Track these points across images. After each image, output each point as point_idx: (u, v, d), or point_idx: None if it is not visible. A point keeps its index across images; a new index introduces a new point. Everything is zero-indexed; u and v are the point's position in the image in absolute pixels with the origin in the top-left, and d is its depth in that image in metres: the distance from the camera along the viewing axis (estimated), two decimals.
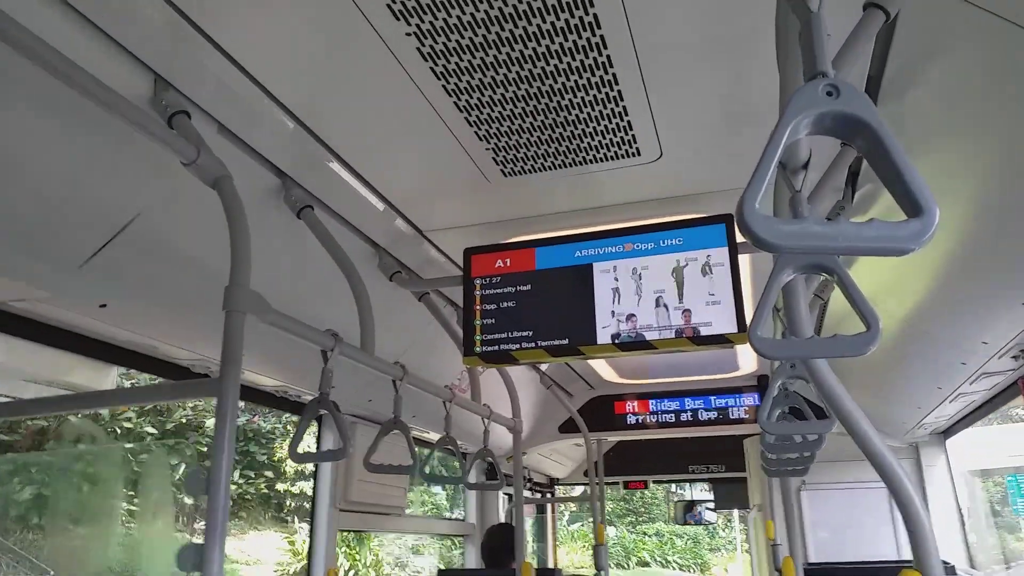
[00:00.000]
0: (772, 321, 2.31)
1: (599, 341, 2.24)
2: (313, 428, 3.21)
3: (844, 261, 1.02)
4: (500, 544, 3.95)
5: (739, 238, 2.18)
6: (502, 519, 5.04)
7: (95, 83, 1.33)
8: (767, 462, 2.49)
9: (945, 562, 3.47)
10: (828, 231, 0.68)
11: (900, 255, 0.68)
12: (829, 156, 1.92)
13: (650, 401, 4.95)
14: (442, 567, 8.33)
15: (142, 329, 2.15)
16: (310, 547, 3.14)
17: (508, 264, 2.43)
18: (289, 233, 2.17)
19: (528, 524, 6.28)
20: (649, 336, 2.19)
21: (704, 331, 2.13)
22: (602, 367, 4.70)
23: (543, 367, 4.40)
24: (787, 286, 1.11)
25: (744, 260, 2.21)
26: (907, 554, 4.60)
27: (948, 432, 4.34)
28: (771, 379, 2.04)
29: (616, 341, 2.22)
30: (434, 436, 2.82)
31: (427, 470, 2.77)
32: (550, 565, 6.17)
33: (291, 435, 1.98)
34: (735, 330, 2.09)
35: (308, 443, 2.99)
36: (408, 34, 1.54)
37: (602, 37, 1.55)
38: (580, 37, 1.55)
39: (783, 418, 2.21)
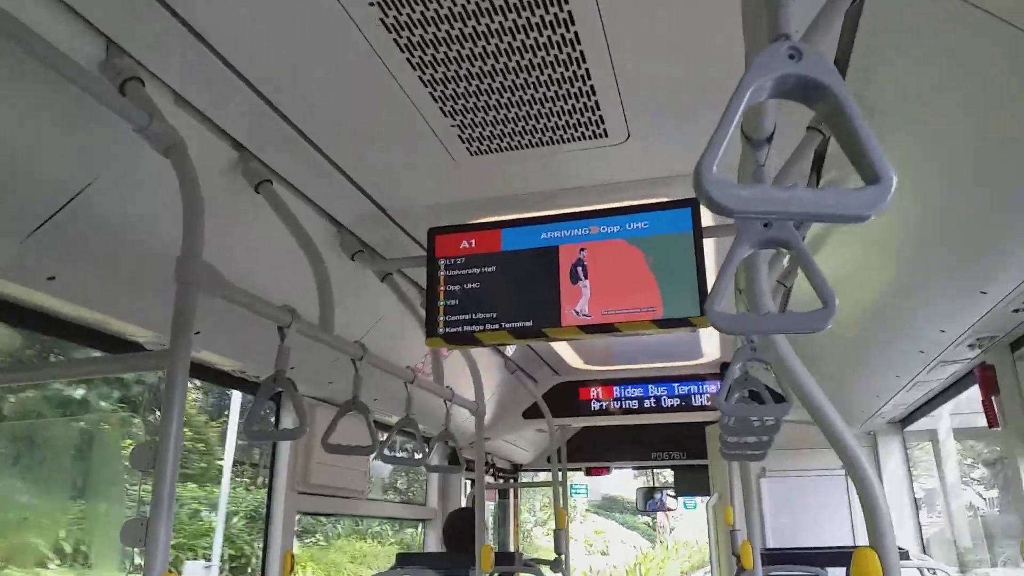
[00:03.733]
0: (735, 301, 2.32)
1: (563, 323, 2.23)
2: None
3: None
4: (461, 529, 3.94)
5: (705, 222, 2.18)
6: (463, 504, 5.03)
7: (42, 43, 1.28)
8: (725, 445, 2.51)
9: (900, 548, 3.55)
10: (785, 196, 0.67)
11: (856, 222, 0.67)
12: (795, 139, 1.92)
13: (614, 387, 4.97)
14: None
15: (93, 304, 2.08)
16: (266, 530, 3.10)
17: (473, 245, 2.40)
18: (247, 208, 2.11)
19: (490, 509, 6.29)
20: (613, 319, 2.19)
21: (667, 314, 2.13)
22: (567, 353, 4.71)
23: (508, 352, 4.39)
24: (748, 263, 1.10)
25: (709, 244, 2.21)
26: (862, 540, 4.70)
27: (906, 421, 4.42)
28: (732, 361, 2.05)
29: (580, 324, 2.21)
30: (395, 420, 2.79)
31: (387, 452, 2.75)
32: (511, 549, 6.19)
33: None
34: (698, 313, 2.09)
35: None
36: (371, 4, 1.50)
37: (570, 13, 1.53)
38: (547, 12, 1.53)
39: (742, 402, 2.23)
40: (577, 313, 2.22)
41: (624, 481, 22.67)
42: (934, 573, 3.63)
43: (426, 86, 1.79)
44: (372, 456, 2.57)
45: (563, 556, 4.41)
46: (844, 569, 3.76)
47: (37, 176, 1.61)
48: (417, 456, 3.60)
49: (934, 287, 2.35)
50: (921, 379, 3.19)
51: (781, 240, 0.78)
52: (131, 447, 1.41)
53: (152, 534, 1.27)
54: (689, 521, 23.77)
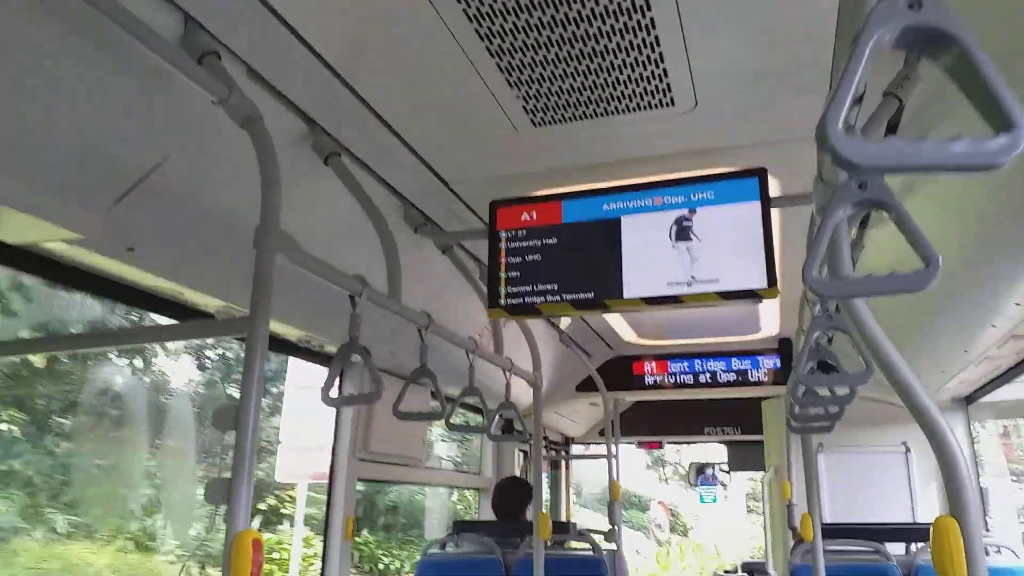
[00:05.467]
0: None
1: (625, 295, 2.23)
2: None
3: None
4: (510, 497, 3.99)
5: (772, 192, 2.15)
6: (516, 474, 5.09)
7: (128, 16, 1.31)
8: (793, 418, 2.48)
9: None
10: (912, 148, 0.65)
11: (988, 170, 0.65)
12: (867, 112, 1.87)
13: (669, 362, 4.95)
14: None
15: (169, 274, 2.15)
16: (329, 495, 3.18)
17: (534, 217, 2.41)
18: (315, 181, 2.15)
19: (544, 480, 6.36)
20: (676, 291, 2.17)
21: (733, 286, 2.11)
22: (622, 327, 4.69)
23: (563, 326, 4.40)
24: (833, 230, 1.08)
25: (775, 214, 2.17)
26: (922, 517, 4.62)
27: (970, 398, 4.31)
28: (809, 330, 2.01)
29: (643, 295, 2.21)
30: (454, 392, 2.84)
31: (451, 421, 2.80)
32: (563, 520, 6.25)
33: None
34: (765, 285, 2.07)
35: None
36: None
37: None
38: None
39: (813, 373, 2.20)
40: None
41: (631, 468, 19.08)
42: (998, 550, 3.55)
43: (493, 56, 1.79)
44: (438, 422, 2.63)
45: (616, 527, 4.44)
46: (904, 545, 3.70)
47: (117, 150, 1.66)
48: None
49: (1009, 259, 2.27)
50: (991, 354, 3.10)
51: (880, 200, 0.77)
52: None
53: (235, 492, 1.33)
54: (705, 518, 20.57)
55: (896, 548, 3.64)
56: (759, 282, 2.07)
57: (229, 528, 1.31)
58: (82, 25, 1.38)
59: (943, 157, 0.65)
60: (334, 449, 3.17)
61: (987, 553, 3.48)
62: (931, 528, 1.15)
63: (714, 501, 14.26)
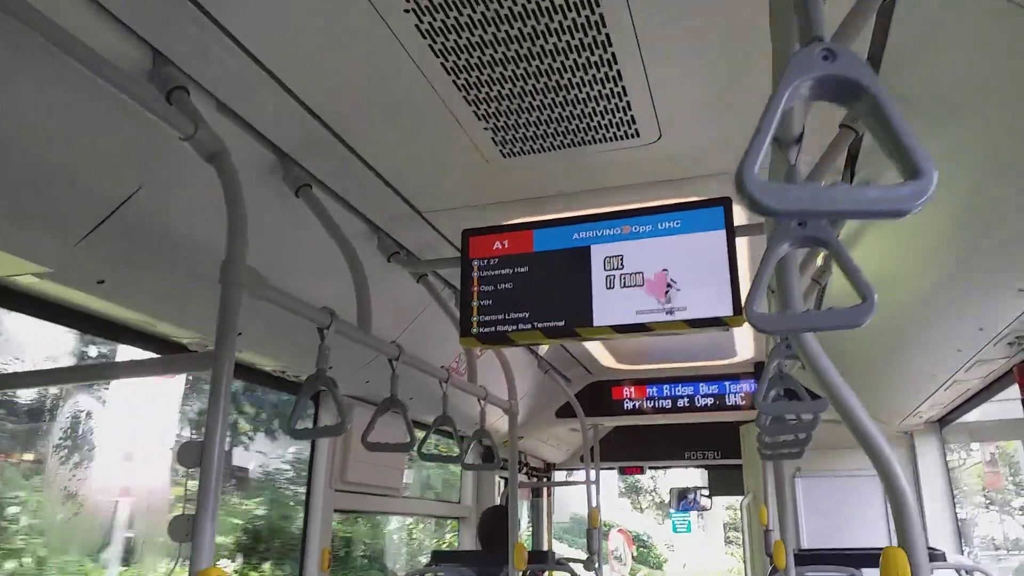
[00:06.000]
0: (767, 301, 2.31)
1: (596, 323, 2.25)
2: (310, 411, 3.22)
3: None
4: (496, 527, 3.98)
5: (737, 221, 2.18)
6: (498, 503, 5.06)
7: (93, 56, 1.33)
8: (763, 445, 2.50)
9: (935, 549, 3.50)
10: (827, 195, 0.68)
11: (899, 216, 0.67)
12: (828, 137, 1.92)
13: (647, 387, 4.97)
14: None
15: (140, 306, 2.15)
16: (305, 526, 3.16)
17: (506, 246, 2.43)
18: (286, 213, 2.17)
19: (524, 508, 6.32)
20: (645, 319, 2.20)
21: (700, 314, 2.14)
22: (600, 352, 4.71)
23: (541, 352, 4.41)
24: (780, 262, 1.11)
25: (741, 244, 2.21)
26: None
27: (944, 421, 4.36)
28: (767, 360, 2.05)
29: (613, 323, 2.23)
30: (430, 420, 2.84)
31: (424, 450, 2.79)
32: (544, 548, 6.21)
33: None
34: (731, 313, 2.10)
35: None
36: (407, 11, 1.54)
37: (601, 15, 1.55)
38: (579, 15, 1.55)
39: (779, 401, 2.22)
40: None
41: (604, 495, 18.85)
42: (971, 574, 3.57)
43: (460, 90, 1.82)
44: (410, 453, 2.62)
45: (595, 555, 4.42)
46: (878, 570, 3.71)
47: (87, 183, 1.67)
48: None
49: (972, 284, 2.32)
50: (958, 378, 3.15)
51: (817, 238, 0.80)
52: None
53: (199, 528, 1.32)
54: (681, 549, 19.73)
55: (871, 573, 3.65)
56: (725, 310, 2.10)
57: (193, 565, 1.30)
58: (51, 59, 1.40)
59: (856, 203, 0.67)
60: (309, 480, 3.15)
61: None
62: (880, 559, 1.17)
63: (688, 530, 13.47)
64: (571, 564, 3.77)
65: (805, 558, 3.52)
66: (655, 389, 4.94)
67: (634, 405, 4.98)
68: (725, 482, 6.63)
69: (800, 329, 0.94)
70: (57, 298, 2.06)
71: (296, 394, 1.99)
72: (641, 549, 18.81)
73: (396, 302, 2.89)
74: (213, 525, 1.31)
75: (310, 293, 1.99)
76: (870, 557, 3.64)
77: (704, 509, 7.85)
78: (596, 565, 4.43)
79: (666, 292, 2.17)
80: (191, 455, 1.35)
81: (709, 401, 4.79)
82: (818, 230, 0.80)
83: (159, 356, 2.27)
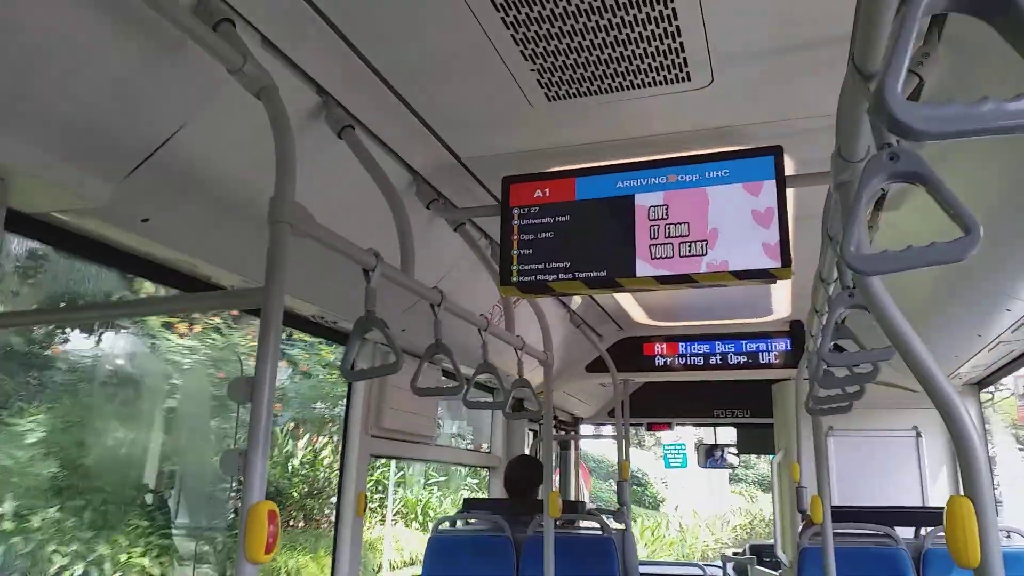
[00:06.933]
0: (821, 251, 2.26)
1: (638, 274, 2.22)
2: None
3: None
4: (522, 475, 4.02)
5: (788, 171, 2.12)
6: (526, 453, 5.11)
7: None
8: (814, 400, 2.47)
9: None
10: (982, 111, 0.63)
11: None
12: None
13: (679, 343, 4.94)
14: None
15: (183, 246, 2.16)
16: (341, 471, 3.21)
17: (547, 194, 2.40)
18: (327, 155, 2.15)
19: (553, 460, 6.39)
20: (690, 271, 2.16)
21: (747, 266, 2.09)
22: (633, 308, 4.68)
23: (573, 306, 4.40)
24: (853, 201, 1.06)
25: (789, 193, 2.15)
26: (933, 502, 4.60)
27: (983, 383, 4.29)
28: (830, 308, 1.98)
29: (655, 274, 2.19)
30: (466, 371, 2.85)
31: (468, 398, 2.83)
32: (572, 498, 6.29)
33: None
34: (779, 265, 2.05)
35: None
36: None
37: None
38: None
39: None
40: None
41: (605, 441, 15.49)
42: (1008, 535, 3.54)
43: (508, 28, 1.77)
44: (456, 398, 2.64)
45: (626, 506, 4.46)
46: (912, 529, 3.70)
47: (131, 120, 1.66)
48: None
49: None
50: (1005, 339, 3.08)
51: (911, 172, 0.75)
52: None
53: (250, 464, 1.33)
54: (678, 487, 18.81)
55: (906, 532, 3.64)
56: (773, 262, 2.06)
57: (245, 499, 1.32)
58: None
59: (1008, 117, 0.62)
60: (346, 425, 3.19)
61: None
62: (945, 508, 1.14)
63: (683, 465, 11.69)
64: (602, 515, 3.80)
65: (840, 514, 3.51)
66: (687, 346, 4.91)
67: (665, 362, 4.96)
68: (754, 440, 6.63)
69: (902, 267, 0.89)
70: (99, 236, 2.07)
71: (337, 340, 1.99)
72: (636, 487, 17.12)
73: (434, 251, 2.87)
74: (264, 461, 1.32)
75: (350, 236, 1.98)
76: (906, 515, 3.63)
77: (732, 467, 7.86)
78: (626, 516, 4.47)
79: (713, 243, 2.13)
80: (242, 391, 1.36)
81: (742, 359, 4.76)
82: (912, 164, 0.75)
83: (211, 292, 2.28)
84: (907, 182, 0.78)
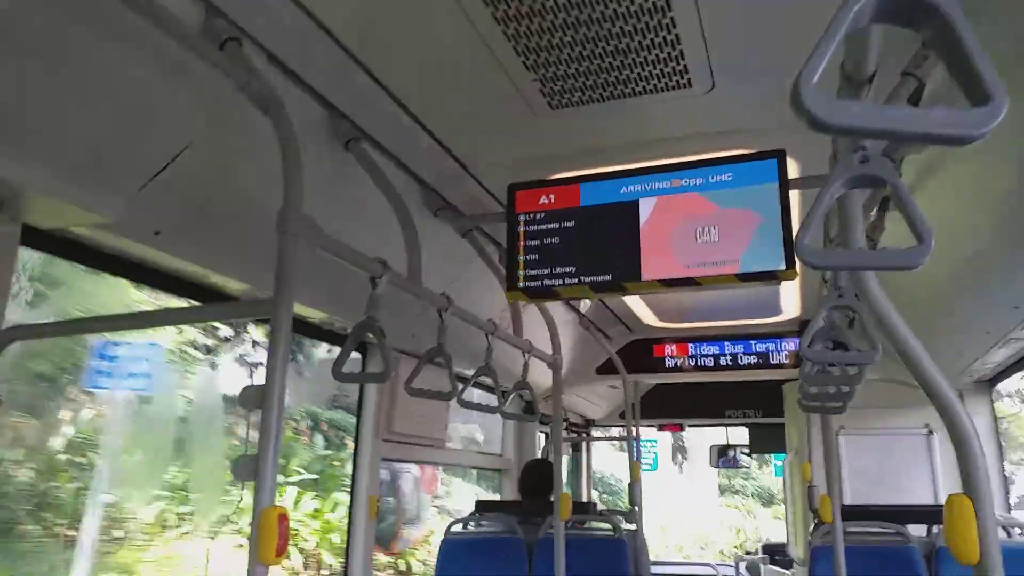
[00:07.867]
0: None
1: (643, 277, 2.24)
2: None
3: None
4: (537, 478, 4.04)
5: (791, 174, 2.14)
6: (539, 456, 5.13)
7: (151, 5, 1.35)
8: (805, 397, 2.48)
9: None
10: (888, 114, 0.64)
11: (964, 143, 0.64)
12: (888, 87, 1.86)
13: (689, 345, 4.95)
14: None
15: (194, 257, 2.20)
16: (353, 475, 3.24)
17: (552, 200, 2.42)
18: (334, 167, 2.18)
19: (564, 462, 6.41)
20: (694, 273, 2.18)
21: (751, 268, 2.11)
22: (642, 310, 4.70)
23: (582, 309, 4.42)
24: (843, 201, 1.08)
25: (793, 197, 2.16)
26: (945, 499, 4.59)
27: (993, 380, 4.27)
28: (818, 308, 2.00)
29: (660, 277, 2.21)
30: (471, 373, 2.88)
31: (465, 399, 2.84)
32: (584, 500, 6.30)
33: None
34: (783, 267, 2.07)
35: None
36: None
37: None
38: None
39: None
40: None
41: (603, 449, 14.00)
42: (1021, 531, 3.53)
43: (509, 40, 1.80)
44: (451, 401, 2.67)
45: (637, 507, 4.47)
46: (924, 527, 3.70)
47: (142, 137, 1.70)
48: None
49: None
50: (1014, 336, 3.07)
51: (877, 176, 0.77)
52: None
53: (261, 469, 1.37)
54: (667, 493, 16.27)
55: (917, 531, 3.64)
56: (777, 263, 2.07)
57: (256, 503, 1.35)
58: (107, 13, 1.41)
59: (921, 125, 0.64)
60: (358, 430, 3.23)
61: (1008, 535, 3.47)
62: (944, 506, 1.16)
63: (653, 468, 10.87)
64: (614, 516, 3.81)
65: (851, 513, 3.51)
66: (697, 347, 4.92)
67: (676, 363, 4.97)
68: (766, 439, 6.62)
69: (851, 266, 0.92)
70: (113, 249, 2.12)
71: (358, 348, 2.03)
72: (605, 497, 15.39)
73: (442, 258, 2.91)
74: (275, 465, 1.36)
75: (358, 246, 2.01)
76: (917, 513, 3.62)
77: (744, 467, 7.85)
78: (637, 517, 4.48)
79: (717, 246, 2.15)
80: (253, 399, 1.39)
81: (753, 359, 4.76)
82: (879, 167, 0.77)
83: (222, 303, 2.32)
84: (871, 186, 0.80)
